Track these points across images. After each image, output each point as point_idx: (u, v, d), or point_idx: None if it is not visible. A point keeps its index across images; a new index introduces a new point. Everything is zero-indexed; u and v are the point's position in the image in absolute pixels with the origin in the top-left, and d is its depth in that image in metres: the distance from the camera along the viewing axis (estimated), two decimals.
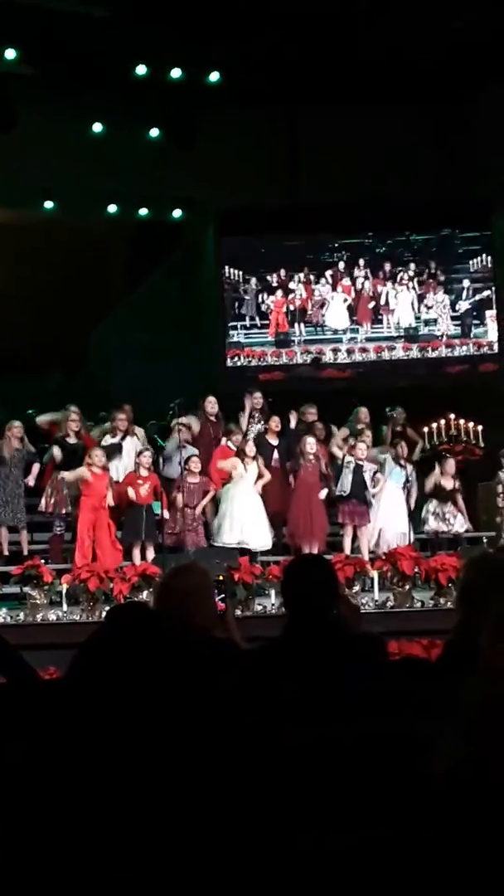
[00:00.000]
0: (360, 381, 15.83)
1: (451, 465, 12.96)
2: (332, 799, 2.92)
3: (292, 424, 13.43)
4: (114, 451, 12.49)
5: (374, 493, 12.60)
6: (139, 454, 12.27)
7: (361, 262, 16.61)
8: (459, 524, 12.92)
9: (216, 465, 12.70)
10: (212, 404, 13.36)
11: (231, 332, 16.24)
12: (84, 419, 12.85)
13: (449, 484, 12.92)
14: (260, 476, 12.54)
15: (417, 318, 16.53)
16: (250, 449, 12.50)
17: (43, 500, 12.36)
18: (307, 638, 3.36)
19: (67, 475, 12.03)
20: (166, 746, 2.57)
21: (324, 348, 16.41)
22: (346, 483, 12.54)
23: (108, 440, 12.69)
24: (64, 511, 12.16)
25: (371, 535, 12.50)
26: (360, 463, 12.60)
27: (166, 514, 12.10)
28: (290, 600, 3.57)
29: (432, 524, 12.87)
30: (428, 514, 12.87)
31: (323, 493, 12.67)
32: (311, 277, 16.53)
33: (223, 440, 13.13)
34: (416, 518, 12.86)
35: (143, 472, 12.19)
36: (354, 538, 12.61)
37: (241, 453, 12.49)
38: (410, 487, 12.75)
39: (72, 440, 12.43)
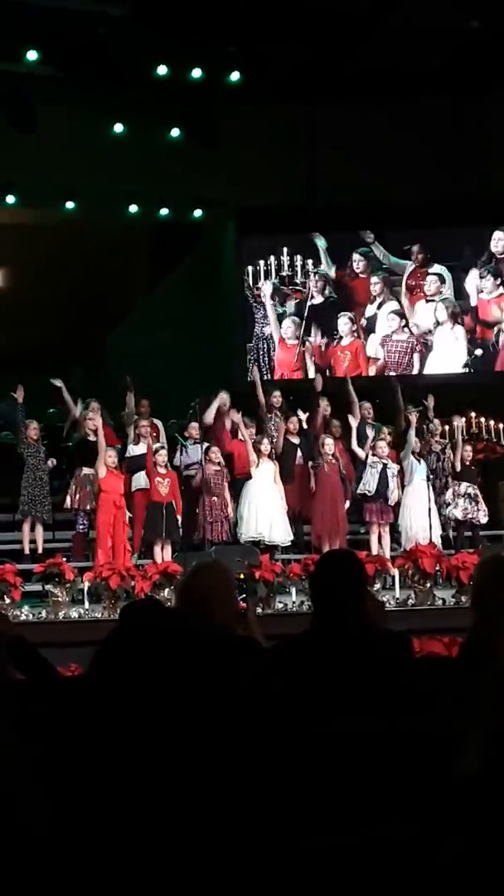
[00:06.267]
0: (382, 379, 15.76)
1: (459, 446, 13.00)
2: (354, 795, 2.90)
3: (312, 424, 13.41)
4: (142, 463, 12.51)
5: (392, 491, 12.58)
6: (156, 452, 12.28)
7: (382, 258, 16.59)
8: (483, 513, 12.90)
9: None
10: (223, 400, 13.36)
11: (250, 341, 16.32)
12: (107, 415, 12.90)
13: (468, 453, 12.92)
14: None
15: (437, 324, 16.46)
16: (265, 447, 12.51)
17: (68, 498, 12.45)
18: (334, 633, 3.34)
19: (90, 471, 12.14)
20: (188, 743, 2.56)
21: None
22: (371, 483, 12.52)
23: (132, 450, 12.66)
24: (88, 507, 12.20)
25: (416, 534, 12.42)
26: (385, 461, 12.58)
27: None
28: (319, 594, 3.55)
29: (460, 507, 12.81)
30: (457, 498, 12.83)
31: (346, 504, 12.69)
32: (333, 277, 16.52)
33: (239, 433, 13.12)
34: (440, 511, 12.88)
35: (161, 470, 12.21)
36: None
37: (256, 450, 12.49)
38: (436, 478, 12.78)
39: (91, 438, 12.43)
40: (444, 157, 15.86)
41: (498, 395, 14.83)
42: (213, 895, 2.44)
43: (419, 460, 12.72)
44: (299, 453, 13.11)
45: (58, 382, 12.96)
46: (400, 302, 16.47)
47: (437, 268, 16.48)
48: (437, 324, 16.47)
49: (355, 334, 16.46)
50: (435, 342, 16.46)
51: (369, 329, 16.47)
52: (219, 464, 12.50)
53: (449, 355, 16.44)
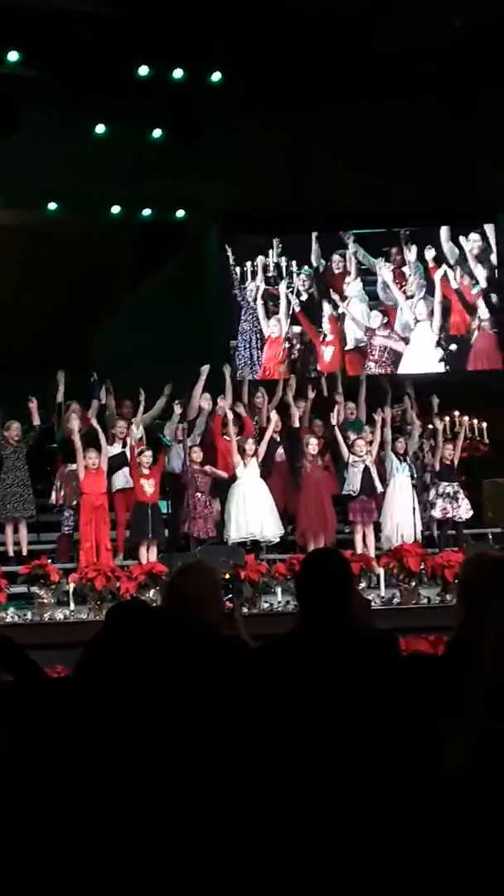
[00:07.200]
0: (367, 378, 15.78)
1: (439, 434, 13.05)
2: (342, 795, 2.91)
3: (295, 423, 13.43)
4: (122, 463, 12.51)
5: (377, 484, 12.65)
6: (140, 454, 12.26)
7: (364, 261, 16.69)
8: (465, 509, 12.93)
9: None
10: (206, 400, 13.38)
11: (235, 339, 16.36)
12: (100, 411, 12.95)
13: (449, 452, 12.92)
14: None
15: (417, 321, 16.61)
16: (250, 447, 12.52)
17: (53, 494, 12.48)
18: (321, 631, 3.34)
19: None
20: (177, 742, 2.56)
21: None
22: (354, 483, 12.57)
23: (110, 450, 12.65)
24: (74, 503, 12.21)
25: (392, 532, 12.47)
26: (364, 459, 12.62)
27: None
28: (305, 593, 3.55)
29: (439, 507, 12.86)
30: (436, 498, 12.88)
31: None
32: (316, 277, 16.64)
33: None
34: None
35: (145, 470, 12.21)
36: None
37: (241, 450, 12.49)
38: (419, 478, 12.81)
39: (75, 437, 12.39)
40: (434, 158, 15.85)
41: (475, 393, 14.89)
42: (204, 893, 2.45)
43: (401, 460, 12.74)
44: (280, 450, 13.15)
45: (60, 377, 13.02)
46: (380, 299, 16.61)
47: (415, 267, 16.62)
48: (416, 321, 16.63)
49: (338, 332, 16.57)
50: (413, 339, 16.62)
51: (344, 325, 16.63)
52: (200, 463, 12.52)
53: (426, 353, 16.60)
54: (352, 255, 16.67)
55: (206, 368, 13.24)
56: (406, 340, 16.67)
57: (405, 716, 3.02)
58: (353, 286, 16.66)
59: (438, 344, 16.67)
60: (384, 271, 16.64)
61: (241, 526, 12.27)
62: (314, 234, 16.67)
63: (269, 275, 16.64)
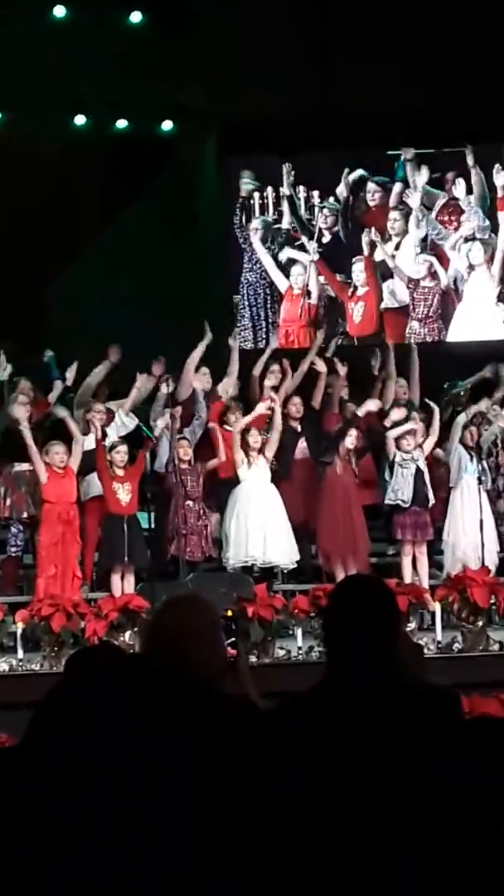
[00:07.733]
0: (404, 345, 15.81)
1: None
2: None
3: (334, 408, 13.47)
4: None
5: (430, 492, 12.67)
6: (112, 449, 12.25)
7: (411, 184, 16.68)
8: None
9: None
10: (206, 377, 13.41)
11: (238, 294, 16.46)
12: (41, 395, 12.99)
13: None
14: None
15: (470, 268, 16.56)
16: (255, 439, 12.51)
17: None
18: (354, 688, 3.33)
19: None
20: (150, 834, 2.56)
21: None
22: (405, 489, 12.51)
23: (85, 442, 12.67)
24: (25, 514, 12.24)
25: (467, 553, 12.46)
26: (416, 458, 12.60)
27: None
28: (334, 636, 3.55)
29: None
30: None
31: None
32: (344, 211, 16.64)
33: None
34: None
35: (119, 472, 12.20)
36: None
37: (244, 444, 12.48)
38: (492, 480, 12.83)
39: (23, 426, 12.40)
40: (494, 51, 15.85)
41: None
42: None
43: (472, 455, 12.71)
44: (302, 444, 13.14)
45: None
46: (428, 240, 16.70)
47: (474, 199, 16.59)
48: (471, 268, 16.57)
49: (372, 282, 16.54)
50: (466, 293, 16.59)
51: (382, 276, 16.73)
52: (189, 461, 12.52)
53: (483, 312, 16.53)
54: (392, 183, 16.60)
55: (208, 332, 13.29)
56: (458, 292, 16.63)
57: (472, 799, 3.02)
58: (410, 224, 16.57)
59: (501, 299, 16.64)
60: (437, 202, 16.62)
61: (241, 545, 12.28)
62: (349, 151, 16.56)
63: (282, 208, 16.65)
